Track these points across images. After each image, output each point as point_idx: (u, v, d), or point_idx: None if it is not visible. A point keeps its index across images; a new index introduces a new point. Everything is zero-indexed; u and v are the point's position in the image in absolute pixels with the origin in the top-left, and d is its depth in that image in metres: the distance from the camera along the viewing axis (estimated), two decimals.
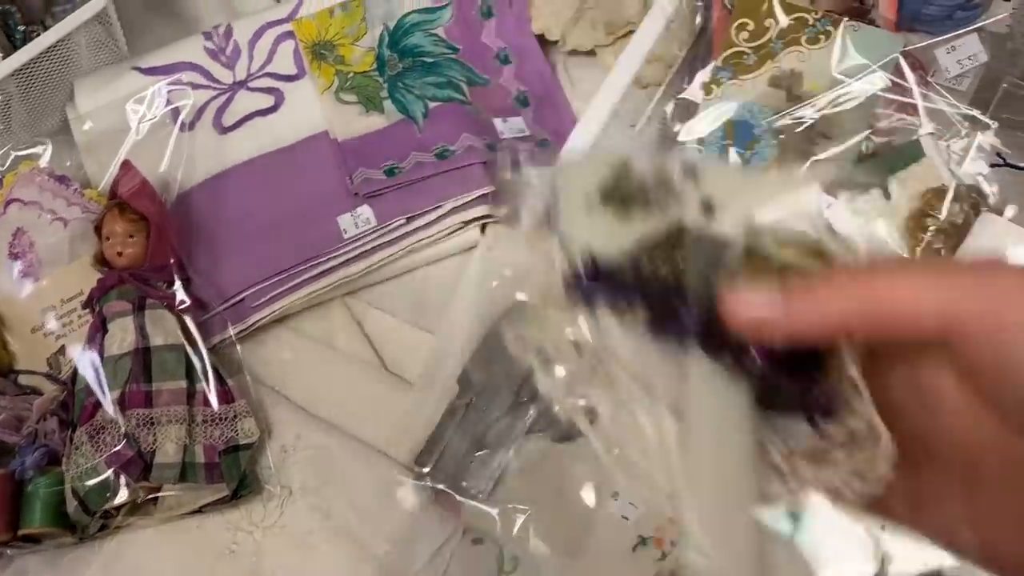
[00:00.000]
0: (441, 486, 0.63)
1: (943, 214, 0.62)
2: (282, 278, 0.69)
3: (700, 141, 0.68)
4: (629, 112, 0.71)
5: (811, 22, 0.66)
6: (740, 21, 0.67)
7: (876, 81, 0.65)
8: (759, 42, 0.67)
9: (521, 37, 0.80)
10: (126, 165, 0.71)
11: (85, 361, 0.65)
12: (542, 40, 0.80)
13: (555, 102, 0.78)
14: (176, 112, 0.76)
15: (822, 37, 0.66)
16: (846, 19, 0.66)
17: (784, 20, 0.66)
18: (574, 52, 0.79)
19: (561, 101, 0.78)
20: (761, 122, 0.67)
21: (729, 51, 0.67)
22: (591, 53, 0.80)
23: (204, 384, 0.65)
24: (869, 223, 0.62)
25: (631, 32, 0.79)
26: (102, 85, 0.79)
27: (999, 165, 0.61)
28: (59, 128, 0.81)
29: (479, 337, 0.68)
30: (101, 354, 0.65)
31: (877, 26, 0.66)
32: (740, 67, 0.67)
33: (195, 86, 0.78)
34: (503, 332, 0.67)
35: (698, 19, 0.71)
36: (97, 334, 0.66)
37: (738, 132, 0.67)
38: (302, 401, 0.68)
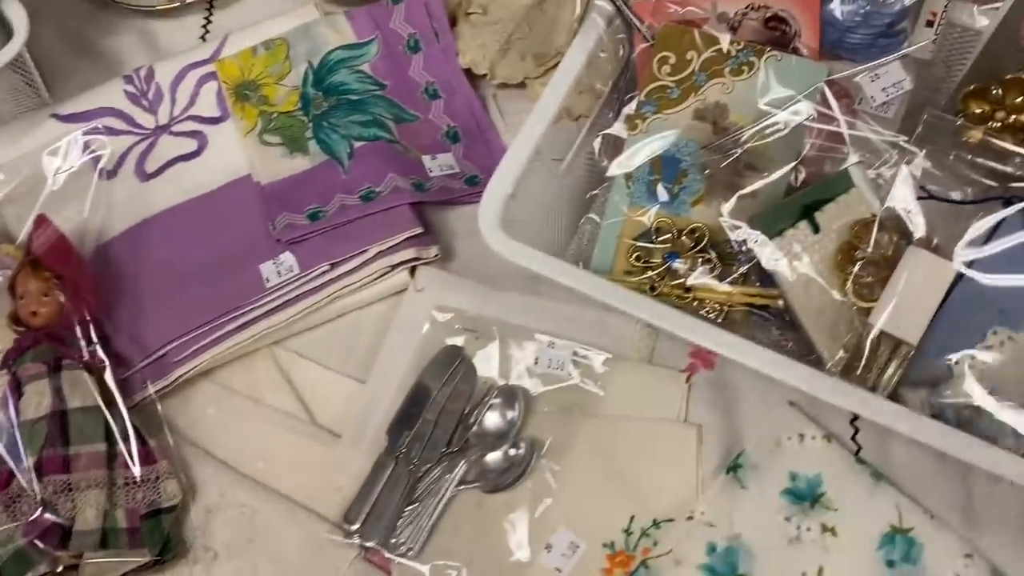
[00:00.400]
0: (371, 543, 0.62)
1: (871, 246, 0.61)
2: (204, 331, 0.68)
3: (628, 176, 0.67)
4: (560, 144, 0.70)
5: (733, 53, 0.65)
6: (661, 55, 0.65)
7: (802, 111, 0.64)
8: (682, 75, 0.66)
9: (449, 71, 0.78)
10: (41, 219, 0.69)
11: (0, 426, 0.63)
12: (470, 73, 0.78)
13: (485, 137, 0.77)
14: (96, 160, 0.74)
15: (745, 68, 0.65)
16: (769, 49, 0.65)
17: (706, 52, 0.65)
18: (504, 85, 0.78)
19: (492, 135, 0.77)
20: (687, 156, 0.66)
21: (652, 85, 0.66)
22: (521, 85, 0.78)
23: (124, 446, 0.63)
24: (795, 258, 0.61)
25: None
26: (20, 134, 0.76)
27: (925, 198, 0.60)
28: None
29: (410, 385, 0.66)
30: (16, 419, 0.63)
31: (801, 55, 0.65)
32: (664, 101, 0.66)
33: (116, 132, 0.77)
34: (434, 379, 0.66)
35: (621, 51, 0.69)
36: (11, 398, 0.64)
37: (665, 167, 0.66)
38: (228, 458, 0.66)
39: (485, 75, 0.77)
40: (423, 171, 0.74)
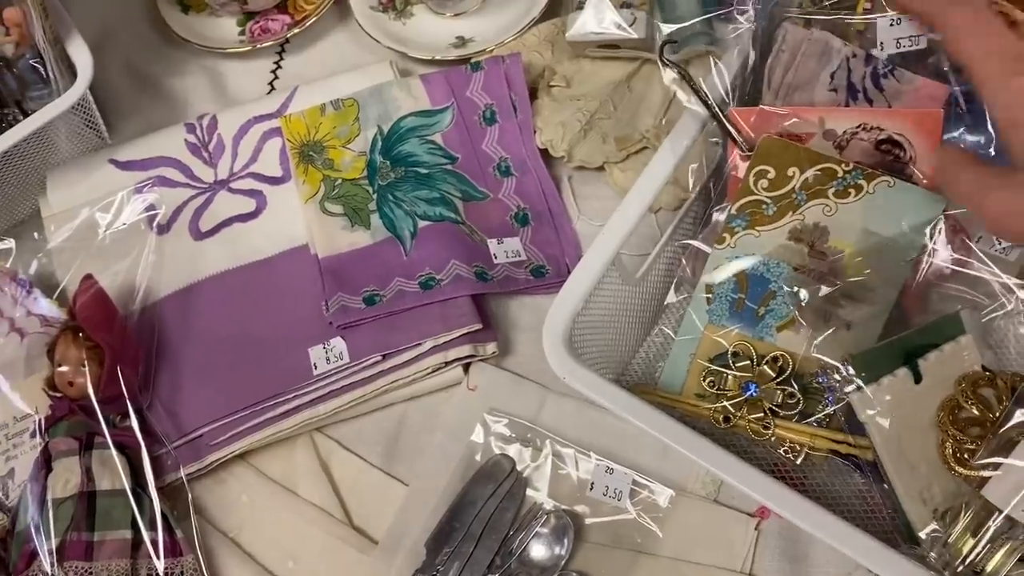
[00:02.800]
0: None
1: (979, 406, 0.55)
2: (245, 414, 0.64)
3: (709, 291, 0.61)
4: (635, 237, 0.64)
5: (840, 174, 0.59)
6: (760, 168, 0.60)
7: (912, 243, 0.58)
8: (780, 191, 0.60)
9: (524, 148, 0.73)
10: (87, 281, 0.66)
11: (27, 500, 0.61)
12: (546, 152, 0.73)
13: (556, 223, 0.72)
14: (151, 218, 0.71)
15: (852, 191, 0.59)
16: (882, 173, 0.58)
17: (809, 170, 0.59)
18: (581, 166, 0.73)
19: (563, 222, 0.72)
20: (777, 277, 0.60)
21: (746, 199, 0.60)
22: (600, 168, 0.73)
23: (150, 535, 0.60)
24: (891, 410, 0.55)
25: (645, 148, 0.72)
26: (76, 179, 0.74)
27: None
28: (31, 215, 0.76)
29: (454, 494, 0.62)
30: (43, 495, 0.60)
31: (915, 183, 0.59)
32: (757, 217, 0.60)
33: (173, 183, 0.73)
34: (480, 492, 0.62)
35: (715, 154, 0.64)
36: (41, 472, 0.61)
37: (752, 286, 0.60)
38: (256, 553, 0.63)
39: (562, 156, 0.72)
40: (487, 257, 0.69)
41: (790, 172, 0.60)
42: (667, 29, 0.65)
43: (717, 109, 0.60)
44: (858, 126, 0.60)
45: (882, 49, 0.61)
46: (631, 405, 0.54)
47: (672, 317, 0.65)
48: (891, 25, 0.60)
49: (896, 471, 0.55)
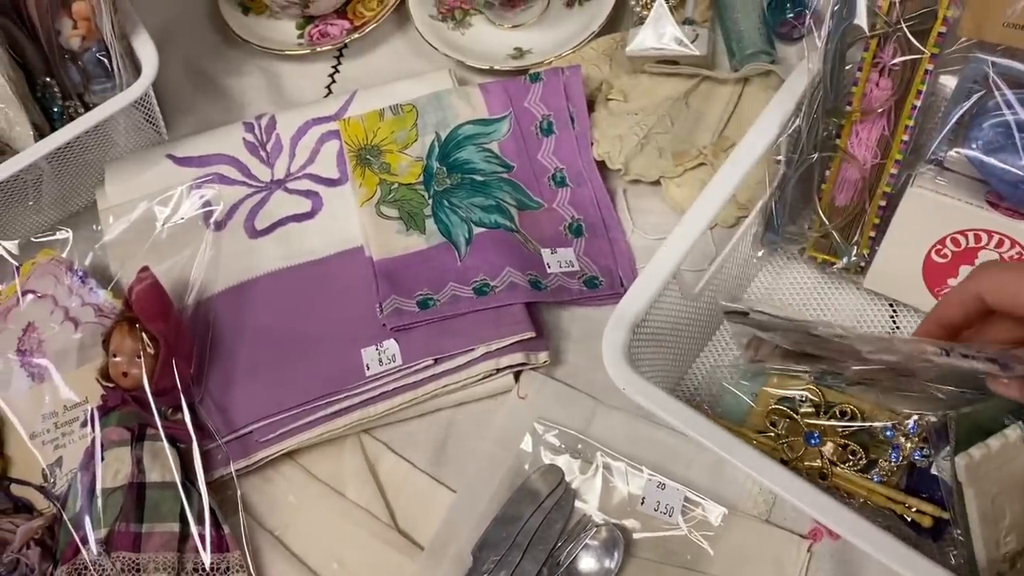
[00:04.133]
0: None
1: None
2: (295, 413, 0.64)
3: None
4: (694, 254, 0.64)
5: None
6: None
7: None
8: None
9: (580, 160, 0.73)
10: (144, 272, 0.66)
11: (77, 488, 0.61)
12: (602, 165, 0.73)
13: (610, 235, 0.72)
14: (208, 214, 0.71)
15: None
16: None
17: None
18: (636, 180, 0.73)
19: (617, 235, 0.72)
20: None
21: None
22: (655, 182, 0.73)
23: (198, 529, 0.60)
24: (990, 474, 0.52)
25: (701, 164, 0.72)
26: (134, 172, 0.74)
27: None
28: (89, 206, 0.77)
29: (501, 502, 0.62)
30: (93, 484, 0.60)
31: None
32: None
33: (230, 181, 0.74)
34: (529, 501, 0.61)
35: (780, 171, 0.63)
36: (92, 461, 0.61)
37: None
38: (301, 553, 0.62)
39: (619, 169, 0.72)
40: (541, 266, 0.69)
41: None
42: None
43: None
44: None
45: None
46: (691, 418, 0.54)
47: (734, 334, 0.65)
48: None
49: (983, 539, 0.53)
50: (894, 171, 0.60)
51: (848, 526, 0.51)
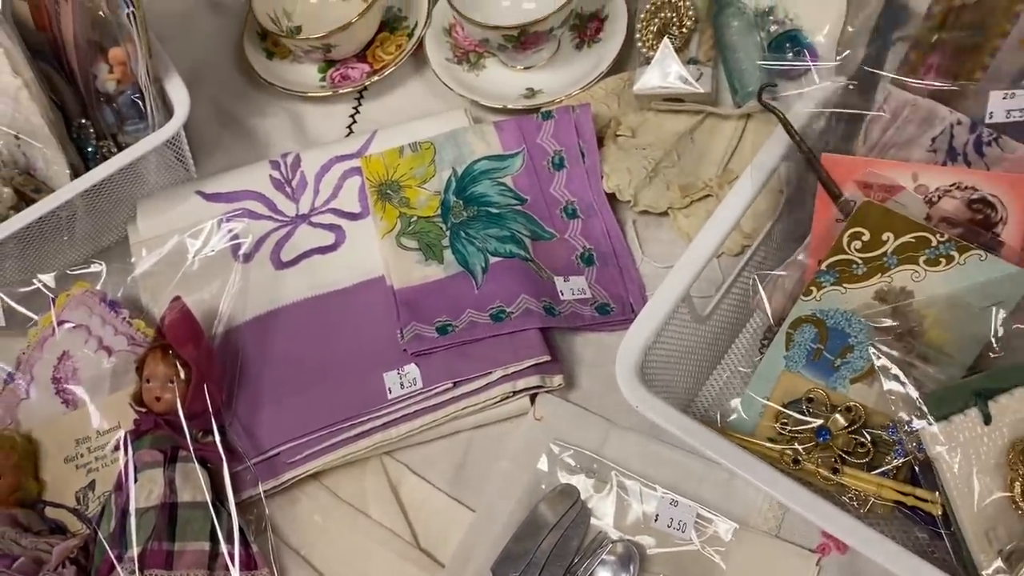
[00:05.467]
0: None
1: None
2: (321, 435, 0.67)
3: (789, 337, 0.63)
4: (701, 280, 0.67)
5: (934, 243, 0.61)
6: (854, 230, 0.61)
7: (996, 316, 0.60)
8: (872, 254, 0.61)
9: (591, 192, 0.77)
10: (176, 301, 0.69)
11: (111, 509, 0.63)
12: (612, 197, 0.77)
13: (620, 263, 0.75)
14: (236, 247, 0.75)
15: (943, 260, 0.60)
16: (975, 247, 0.60)
17: (904, 236, 0.61)
18: (645, 211, 0.76)
19: (627, 263, 0.75)
20: (857, 333, 0.62)
21: (837, 257, 0.62)
22: (663, 213, 0.76)
23: (228, 547, 0.62)
24: (960, 448, 0.56)
25: (707, 196, 0.75)
26: (165, 208, 0.78)
27: None
28: (119, 241, 0.80)
29: (519, 520, 0.64)
30: (127, 504, 0.63)
31: (1000, 246, 0.60)
32: (846, 275, 0.62)
33: (257, 216, 0.77)
34: (546, 519, 0.63)
35: (780, 201, 0.67)
36: (126, 482, 0.64)
37: (832, 338, 0.62)
38: (327, 571, 0.65)
39: (628, 201, 0.76)
40: (555, 294, 0.72)
41: (884, 236, 0.61)
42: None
43: (813, 155, 0.63)
44: (952, 184, 0.62)
45: (991, 117, 0.62)
46: (702, 434, 0.57)
47: (740, 355, 0.67)
48: (1004, 99, 0.62)
49: (963, 508, 0.56)
50: None
51: (856, 536, 0.54)
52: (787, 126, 0.64)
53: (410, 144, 0.78)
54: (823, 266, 0.62)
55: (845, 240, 0.61)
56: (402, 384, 0.68)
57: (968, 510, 0.56)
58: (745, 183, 0.66)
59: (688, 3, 0.75)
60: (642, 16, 0.77)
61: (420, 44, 0.86)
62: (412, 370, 0.68)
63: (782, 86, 0.74)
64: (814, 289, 0.62)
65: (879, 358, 0.58)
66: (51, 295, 0.74)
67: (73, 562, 0.63)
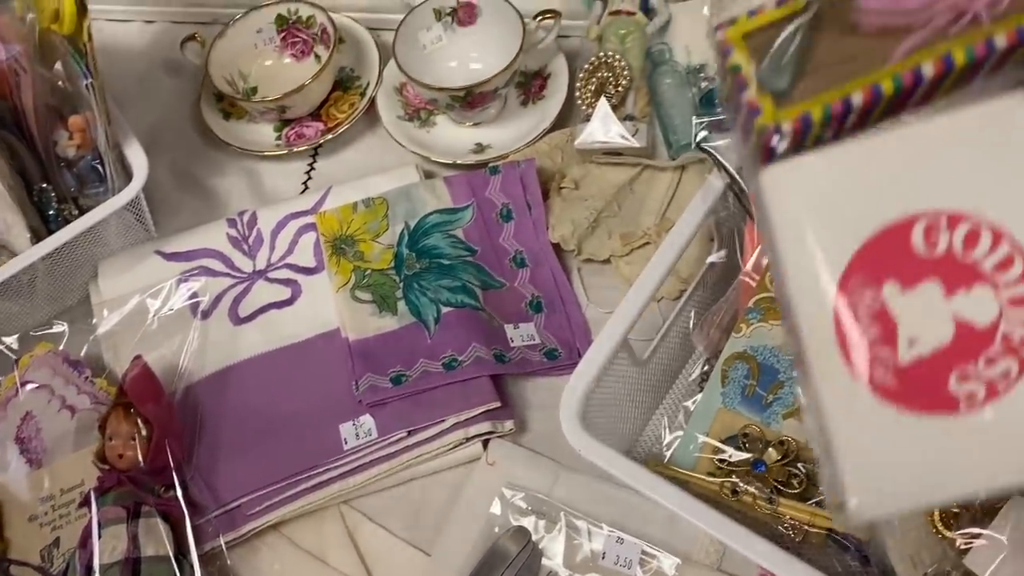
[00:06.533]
0: None
1: None
2: (280, 486, 0.69)
3: (724, 374, 0.67)
4: (642, 324, 0.71)
5: None
6: None
7: None
8: None
9: (538, 243, 0.80)
10: (137, 360, 0.71)
11: (75, 565, 0.65)
12: (557, 247, 0.80)
13: (567, 310, 0.78)
14: (195, 305, 0.77)
15: None
16: None
17: None
18: (589, 259, 0.80)
19: (573, 309, 0.78)
20: (785, 368, 0.65)
21: (762, 295, 0.66)
22: (607, 261, 0.80)
23: None
24: None
25: (647, 243, 0.79)
26: (125, 268, 0.80)
27: None
28: (81, 301, 0.82)
29: (473, 564, 0.66)
30: (91, 561, 0.64)
31: None
32: (770, 312, 0.66)
33: (215, 273, 0.80)
34: (499, 562, 0.66)
35: (712, 251, 0.71)
36: (89, 539, 0.65)
37: (763, 374, 0.66)
38: None
39: (573, 250, 0.80)
40: (505, 341, 0.75)
41: None
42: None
43: (744, 191, 0.67)
44: None
45: None
46: (640, 475, 0.60)
47: (682, 392, 0.71)
48: None
49: (888, 536, 0.60)
50: None
51: (790, 570, 0.57)
52: (719, 163, 0.68)
53: (363, 200, 0.82)
54: (750, 303, 0.66)
55: (768, 277, 0.65)
56: (357, 435, 0.70)
57: (892, 537, 0.60)
58: (679, 230, 0.70)
59: (623, 63, 0.79)
60: (581, 75, 0.81)
61: (372, 103, 0.90)
62: (367, 420, 0.71)
63: (714, 137, 0.79)
64: (744, 326, 0.66)
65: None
66: (14, 356, 0.76)
67: None
